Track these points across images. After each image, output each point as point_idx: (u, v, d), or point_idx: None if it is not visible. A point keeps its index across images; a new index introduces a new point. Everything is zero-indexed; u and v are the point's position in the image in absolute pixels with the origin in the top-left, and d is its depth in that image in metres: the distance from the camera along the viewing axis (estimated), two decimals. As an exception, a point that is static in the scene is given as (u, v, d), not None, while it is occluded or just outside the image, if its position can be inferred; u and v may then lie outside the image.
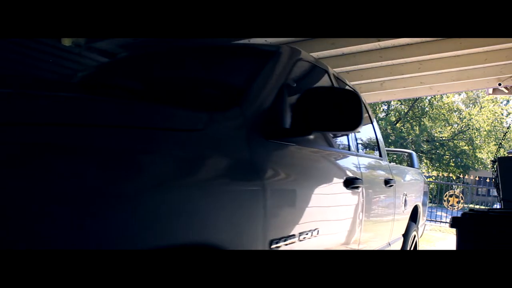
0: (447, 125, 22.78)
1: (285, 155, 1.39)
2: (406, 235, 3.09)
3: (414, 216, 3.30)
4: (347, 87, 2.36)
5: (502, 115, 23.21)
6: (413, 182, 3.37)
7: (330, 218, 1.68)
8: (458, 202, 11.25)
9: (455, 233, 2.78)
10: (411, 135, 21.51)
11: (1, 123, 0.65)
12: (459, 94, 24.26)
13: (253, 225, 1.13)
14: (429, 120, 22.07)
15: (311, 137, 1.55)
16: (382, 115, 22.39)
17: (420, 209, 3.49)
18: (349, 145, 2.11)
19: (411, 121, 22.22)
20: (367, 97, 6.44)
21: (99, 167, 0.73)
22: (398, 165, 3.40)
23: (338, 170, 1.83)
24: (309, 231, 1.43)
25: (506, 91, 6.00)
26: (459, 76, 5.10)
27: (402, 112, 22.26)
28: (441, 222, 10.21)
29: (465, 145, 22.54)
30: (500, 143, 10.94)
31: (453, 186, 12.79)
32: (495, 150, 13.59)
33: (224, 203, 1.03)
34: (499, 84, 5.30)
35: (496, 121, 22.10)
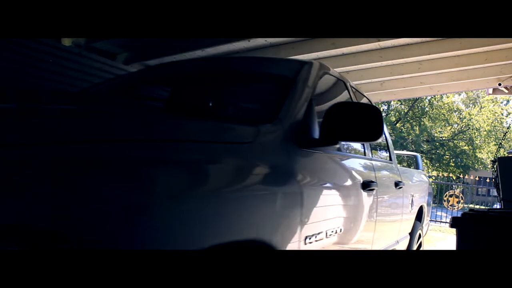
0: (447, 125, 22.78)
1: (315, 162, 1.58)
2: (412, 234, 3.24)
3: (419, 216, 3.46)
4: (364, 99, 2.64)
5: (502, 115, 23.21)
6: (419, 184, 3.54)
7: (350, 217, 1.84)
8: (458, 202, 11.25)
9: (455, 233, 2.78)
10: (411, 135, 21.51)
11: (71, 139, 0.76)
12: (459, 94, 24.27)
13: (293, 223, 1.29)
14: (429, 120, 22.07)
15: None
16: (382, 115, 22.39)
17: (425, 209, 3.66)
18: (364, 150, 2.27)
19: (411, 121, 22.22)
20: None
21: (180, 174, 0.92)
22: (406, 168, 3.57)
23: (357, 174, 1.99)
24: (334, 229, 1.60)
25: (506, 91, 6.00)
26: (459, 76, 5.10)
27: (402, 112, 22.26)
28: (441, 222, 10.21)
29: (465, 145, 22.54)
30: (500, 143, 10.95)
31: (453, 186, 12.79)
32: (495, 150, 13.59)
33: (270, 204, 1.18)
34: (499, 84, 5.30)
35: (496, 121, 22.11)
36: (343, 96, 2.23)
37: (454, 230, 2.75)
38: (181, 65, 2.61)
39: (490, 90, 6.24)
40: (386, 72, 5.02)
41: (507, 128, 17.86)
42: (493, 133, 21.76)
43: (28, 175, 0.65)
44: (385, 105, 22.29)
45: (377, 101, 8.18)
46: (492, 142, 21.69)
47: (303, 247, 1.35)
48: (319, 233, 1.46)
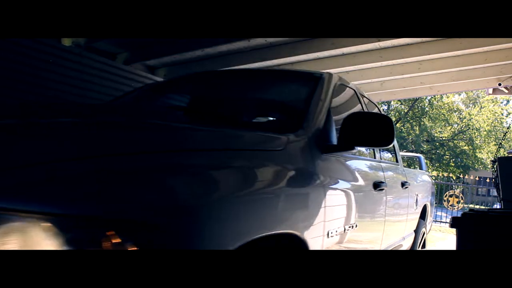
0: (447, 125, 22.79)
1: (335, 165, 1.77)
2: (416, 231, 3.46)
3: (423, 214, 3.66)
4: (372, 105, 2.90)
5: (502, 115, 23.21)
6: (422, 184, 3.73)
7: (364, 214, 2.04)
8: (458, 202, 11.25)
9: (455, 233, 2.78)
10: (411, 135, 21.52)
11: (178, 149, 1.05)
12: (459, 94, 24.27)
13: (318, 219, 1.47)
14: (429, 120, 22.08)
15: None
16: (382, 115, 22.40)
17: (428, 208, 3.87)
18: (374, 153, 2.47)
19: (411, 121, 22.23)
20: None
21: (235, 176, 1.14)
22: (411, 169, 3.78)
23: (369, 175, 2.20)
24: (350, 224, 1.81)
25: (506, 91, 6.00)
26: (459, 76, 5.10)
27: (402, 112, 22.27)
28: (441, 222, 10.21)
29: (465, 145, 22.55)
30: (500, 143, 10.95)
31: (453, 186, 12.79)
32: (495, 150, 13.59)
33: (299, 202, 1.39)
34: (499, 84, 5.31)
35: (496, 121, 22.11)
36: (355, 104, 2.43)
37: (454, 230, 2.75)
38: (212, 76, 2.81)
39: (490, 90, 6.24)
40: (386, 72, 5.02)
41: (507, 128, 17.86)
42: (493, 133, 21.76)
43: (137, 180, 0.87)
44: (385, 105, 22.29)
45: (377, 101, 8.17)
46: (492, 142, 21.70)
47: (326, 240, 1.57)
48: (338, 228, 1.67)
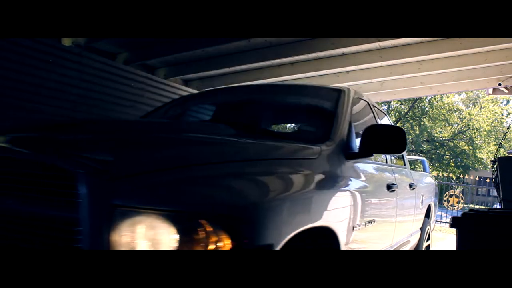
0: (447, 125, 22.78)
1: (357, 170, 2.07)
2: (422, 228, 3.75)
3: (427, 213, 3.97)
4: (382, 115, 3.19)
5: (502, 115, 23.21)
6: (427, 185, 4.02)
7: (380, 212, 2.34)
8: (458, 202, 11.24)
9: (455, 233, 2.79)
10: (411, 135, 21.52)
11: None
12: (459, 94, 24.27)
13: (346, 215, 1.77)
14: (429, 120, 22.07)
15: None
16: (382, 115, 22.39)
17: (432, 208, 4.20)
18: (386, 158, 2.76)
19: (411, 121, 22.22)
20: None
21: (287, 180, 1.48)
22: (417, 171, 4.13)
23: (383, 178, 2.49)
24: (370, 219, 2.10)
25: (506, 91, 6.00)
26: (459, 76, 5.10)
27: (402, 112, 22.26)
28: (441, 222, 10.21)
29: (465, 145, 22.54)
30: (500, 143, 10.94)
31: (453, 186, 12.79)
32: (495, 150, 13.59)
33: (332, 200, 1.67)
34: (499, 84, 5.30)
35: (496, 121, 22.10)
36: (368, 113, 2.74)
37: (454, 230, 2.75)
38: (247, 90, 3.15)
39: (490, 90, 6.23)
40: (386, 72, 5.02)
41: (507, 128, 17.86)
42: (493, 133, 21.76)
43: (221, 184, 1.20)
44: (385, 105, 22.29)
45: (377, 101, 8.17)
46: (492, 142, 21.69)
47: (352, 233, 1.86)
48: (361, 223, 1.95)
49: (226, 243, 1.09)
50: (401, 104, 22.04)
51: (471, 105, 24.94)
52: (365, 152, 2.04)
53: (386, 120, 3.19)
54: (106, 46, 4.46)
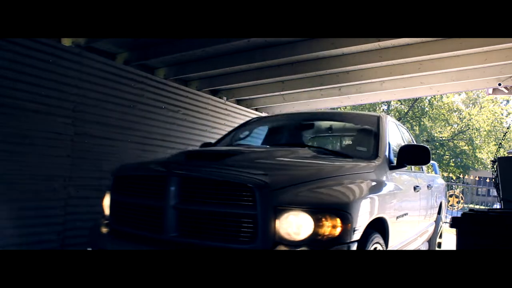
0: (447, 125, 22.78)
1: (396, 176, 2.97)
2: (436, 222, 4.59)
3: (439, 209, 4.79)
4: (405, 132, 4.10)
5: (502, 115, 23.20)
6: (439, 186, 4.88)
7: (410, 207, 3.19)
8: (458, 202, 11.24)
9: (455, 233, 2.79)
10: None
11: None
12: (459, 94, 24.25)
13: (392, 209, 2.68)
14: (429, 120, 22.07)
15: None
16: (382, 115, 22.38)
17: (443, 205, 5.01)
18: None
19: (411, 121, 22.22)
20: (367, 97, 6.44)
21: (365, 187, 2.39)
22: (431, 174, 5.01)
23: (411, 181, 3.35)
24: (405, 212, 3.00)
25: (506, 91, 6.00)
26: (459, 76, 5.09)
27: (402, 112, 22.26)
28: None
29: (465, 145, 22.54)
30: (500, 143, 10.93)
31: (453, 186, 12.79)
32: (495, 150, 13.58)
33: (385, 199, 2.58)
34: (499, 84, 5.30)
35: (496, 121, 22.09)
36: (396, 132, 3.53)
37: (454, 230, 2.76)
38: (308, 116, 4.10)
39: (490, 90, 6.23)
40: (386, 72, 5.01)
41: (507, 128, 17.84)
42: (493, 133, 21.75)
43: (333, 190, 2.20)
44: (385, 105, 22.29)
45: (377, 101, 8.17)
46: (492, 142, 21.67)
47: (396, 222, 2.73)
48: (399, 215, 2.84)
49: (338, 225, 1.98)
50: (401, 104, 22.04)
51: (471, 105, 24.93)
52: (401, 164, 2.98)
53: (407, 135, 4.13)
54: (106, 46, 4.45)
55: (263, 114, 6.89)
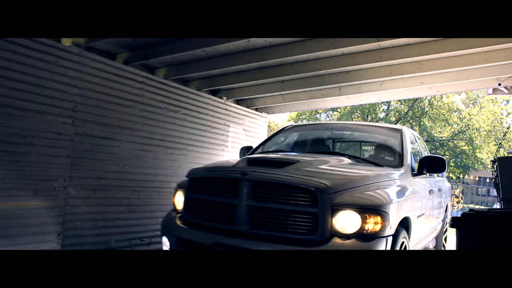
0: (447, 125, 22.76)
1: (416, 182, 3.55)
2: (443, 220, 5.11)
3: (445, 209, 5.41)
4: (421, 141, 4.88)
5: (502, 115, 23.19)
6: (446, 188, 5.40)
7: (426, 208, 3.81)
8: (458, 202, 11.24)
9: (455, 233, 2.79)
10: (411, 135, 21.50)
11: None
12: (459, 94, 24.25)
13: (414, 209, 3.29)
14: (429, 120, 22.06)
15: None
16: (382, 115, 22.39)
17: (449, 205, 5.63)
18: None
19: (411, 121, 22.20)
20: (367, 97, 6.44)
21: (395, 190, 3.06)
22: (439, 178, 5.10)
23: (427, 186, 3.92)
24: (424, 212, 3.63)
25: (506, 91, 6.00)
26: (459, 76, 5.09)
27: (402, 112, 22.25)
28: (441, 222, 10.19)
29: (465, 145, 22.53)
30: (500, 143, 10.93)
31: (453, 186, 12.78)
32: (495, 150, 13.58)
33: (409, 201, 3.19)
34: (499, 84, 5.30)
35: (496, 121, 22.08)
36: (414, 143, 4.19)
37: (454, 230, 2.76)
38: (340, 127, 5.04)
39: (490, 90, 6.23)
40: (386, 72, 5.01)
41: (507, 128, 17.83)
42: (493, 133, 21.74)
43: (375, 192, 2.80)
44: (385, 105, 22.28)
45: (377, 101, 8.16)
46: (492, 142, 21.67)
47: (417, 220, 3.31)
48: (419, 214, 3.44)
49: (379, 222, 2.51)
50: (401, 104, 22.02)
51: (471, 105, 24.92)
52: (421, 172, 3.65)
53: (422, 143, 4.91)
54: (106, 46, 4.45)
55: (263, 114, 6.89)
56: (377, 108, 21.59)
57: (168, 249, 3.11)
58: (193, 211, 3.03)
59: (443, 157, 3.64)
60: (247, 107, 6.54)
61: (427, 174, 3.85)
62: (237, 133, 6.26)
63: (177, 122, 5.15)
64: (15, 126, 3.51)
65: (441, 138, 22.79)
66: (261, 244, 2.58)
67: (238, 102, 6.42)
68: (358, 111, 21.86)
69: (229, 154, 6.07)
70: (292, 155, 3.51)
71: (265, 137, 6.96)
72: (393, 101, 20.86)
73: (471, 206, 12.47)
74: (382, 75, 5.08)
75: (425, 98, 21.01)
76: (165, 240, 3.14)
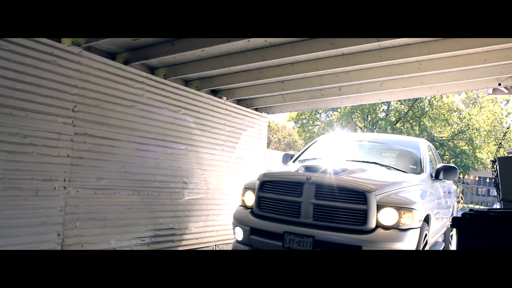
0: (447, 125, 22.76)
1: (435, 185, 4.61)
2: (450, 218, 5.64)
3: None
4: (433, 151, 5.83)
5: (502, 115, 23.18)
6: (453, 191, 6.29)
7: (441, 208, 4.76)
8: (458, 202, 11.23)
9: (455, 233, 2.78)
10: (411, 135, 21.51)
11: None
12: (459, 94, 24.24)
13: (433, 208, 4.27)
14: (429, 120, 22.06)
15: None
16: (382, 115, 22.38)
17: (455, 205, 6.49)
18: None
19: (411, 121, 22.21)
20: (367, 97, 6.44)
21: (419, 193, 4.10)
22: (450, 182, 5.81)
23: (441, 188, 4.83)
24: (438, 211, 4.59)
25: (506, 91, 6.00)
26: (459, 76, 5.09)
27: (402, 112, 22.25)
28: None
29: (465, 145, 22.52)
30: (500, 143, 10.92)
31: (453, 186, 12.75)
32: (495, 150, 13.57)
33: (430, 202, 4.19)
34: (499, 84, 5.29)
35: (496, 121, 22.07)
36: (429, 151, 5.16)
37: (454, 230, 2.76)
38: (370, 138, 5.94)
39: (490, 90, 6.23)
40: (386, 72, 5.01)
41: (507, 128, 17.83)
42: (493, 133, 21.73)
43: (405, 194, 3.79)
44: (385, 105, 22.28)
45: (377, 101, 8.16)
46: (492, 142, 21.66)
47: (434, 216, 4.23)
48: (437, 212, 4.40)
49: (410, 217, 3.43)
50: (401, 104, 22.02)
51: (471, 105, 24.91)
52: (438, 177, 4.60)
53: (435, 152, 5.85)
54: (106, 46, 4.45)
55: (263, 114, 6.89)
56: (377, 108, 21.59)
57: (240, 238, 4.00)
58: (263, 207, 3.93)
59: (455, 166, 4.75)
60: (247, 107, 6.54)
61: (443, 179, 4.81)
62: (237, 133, 6.26)
63: (177, 122, 5.15)
64: (15, 126, 3.51)
65: (441, 138, 22.78)
66: (321, 232, 3.47)
67: (238, 102, 6.42)
68: (358, 111, 21.86)
69: (229, 154, 6.08)
70: (340, 164, 4.20)
71: (265, 137, 6.99)
72: (393, 101, 20.86)
73: (471, 206, 12.46)
74: (382, 75, 5.08)
75: (425, 98, 21.02)
76: (238, 230, 4.04)
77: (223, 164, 5.95)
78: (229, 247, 6.05)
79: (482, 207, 14.82)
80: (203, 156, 5.57)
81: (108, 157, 4.31)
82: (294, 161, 4.95)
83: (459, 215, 2.76)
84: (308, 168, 3.90)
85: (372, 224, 3.39)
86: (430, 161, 4.87)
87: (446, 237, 5.77)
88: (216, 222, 5.81)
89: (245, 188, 4.25)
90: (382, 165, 4.35)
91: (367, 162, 4.50)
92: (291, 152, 5.44)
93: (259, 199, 3.94)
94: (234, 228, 4.10)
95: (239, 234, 4.00)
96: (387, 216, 3.42)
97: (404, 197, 3.58)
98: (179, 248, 5.13)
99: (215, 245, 5.83)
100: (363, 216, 3.40)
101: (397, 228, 3.39)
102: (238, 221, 4.05)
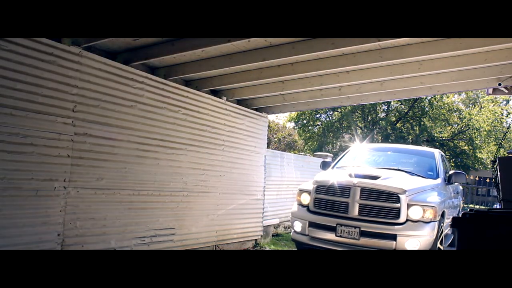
0: (447, 125, 22.74)
1: (448, 188, 6.00)
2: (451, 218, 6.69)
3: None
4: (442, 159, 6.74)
5: (502, 115, 23.16)
6: (460, 192, 7.44)
7: (452, 206, 6.21)
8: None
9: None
10: (411, 135, 21.49)
11: None
12: (459, 94, 24.22)
13: (448, 206, 5.68)
14: (429, 120, 22.04)
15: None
16: (382, 115, 22.38)
17: (461, 204, 7.50)
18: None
19: (411, 121, 22.19)
20: (367, 97, 6.44)
21: (437, 195, 5.41)
22: (457, 184, 6.97)
23: (452, 190, 6.30)
24: (453, 211, 6.26)
25: (506, 91, 5.99)
26: (459, 76, 5.09)
27: (402, 112, 22.25)
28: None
29: (465, 145, 22.51)
30: (500, 143, 10.93)
31: (453, 186, 12.74)
32: (495, 150, 13.59)
33: (445, 201, 5.50)
34: (499, 84, 5.29)
35: (496, 121, 22.05)
36: (442, 159, 6.38)
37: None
38: (395, 149, 7.24)
39: (490, 90, 6.22)
40: (386, 72, 5.01)
41: (507, 128, 17.85)
42: (493, 133, 21.71)
43: (429, 195, 5.19)
44: (385, 105, 22.26)
45: (377, 101, 8.16)
46: (492, 142, 21.64)
47: (448, 213, 5.53)
48: (449, 210, 5.69)
49: (432, 213, 4.68)
50: (401, 104, 22.01)
51: (471, 105, 24.91)
52: (450, 182, 5.80)
53: (445, 159, 6.76)
54: (106, 46, 4.45)
55: (263, 114, 6.89)
56: (378, 108, 21.58)
57: (299, 230, 5.12)
58: (318, 205, 5.09)
59: (464, 172, 6.06)
60: (247, 107, 6.54)
61: (453, 182, 6.00)
62: (237, 133, 6.26)
63: (177, 122, 5.15)
64: (15, 126, 3.51)
65: (441, 138, 22.77)
66: (365, 224, 4.62)
67: (238, 102, 6.42)
68: (358, 111, 21.85)
69: (229, 154, 6.07)
70: (375, 171, 5.45)
71: (265, 137, 6.99)
72: (393, 101, 20.85)
73: (471, 206, 12.47)
74: (382, 75, 5.08)
75: (425, 98, 20.99)
76: (297, 223, 5.17)
77: (223, 164, 5.95)
78: (229, 247, 6.05)
79: (482, 207, 14.83)
80: (203, 156, 5.57)
81: (108, 157, 4.31)
82: (333, 168, 6.05)
83: (459, 215, 2.76)
84: (354, 175, 5.05)
85: (404, 218, 4.59)
86: (443, 168, 6.05)
87: (454, 232, 6.83)
88: (216, 222, 5.82)
89: (300, 190, 5.38)
90: (406, 172, 5.55)
91: (394, 169, 5.66)
92: (328, 160, 7.09)
93: (314, 199, 5.11)
94: (293, 222, 5.26)
95: (298, 227, 5.15)
96: (415, 212, 4.63)
97: (427, 198, 4.86)
98: (179, 248, 5.13)
99: (215, 245, 5.83)
100: (397, 212, 4.62)
101: (422, 221, 4.62)
102: (297, 216, 5.21)
